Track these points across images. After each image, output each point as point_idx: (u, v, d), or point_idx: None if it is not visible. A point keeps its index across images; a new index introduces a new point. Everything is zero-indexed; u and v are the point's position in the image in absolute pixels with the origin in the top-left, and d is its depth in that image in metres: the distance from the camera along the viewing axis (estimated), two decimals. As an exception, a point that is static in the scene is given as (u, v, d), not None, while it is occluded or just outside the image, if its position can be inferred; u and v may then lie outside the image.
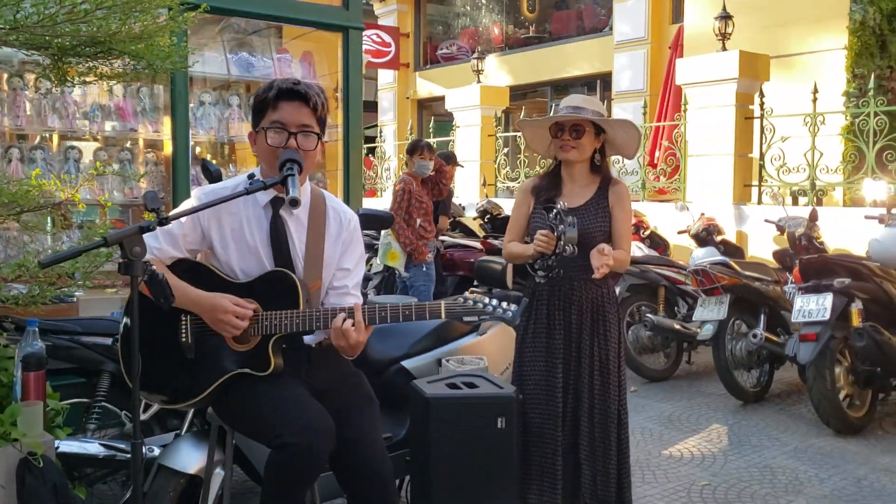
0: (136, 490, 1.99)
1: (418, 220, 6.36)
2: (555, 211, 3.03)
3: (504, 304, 2.35)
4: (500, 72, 14.48)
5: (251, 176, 2.28)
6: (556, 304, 3.20)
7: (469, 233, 8.77)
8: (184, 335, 2.43)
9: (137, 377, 1.95)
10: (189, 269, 2.45)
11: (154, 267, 1.98)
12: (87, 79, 3.30)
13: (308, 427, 2.26)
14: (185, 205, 2.44)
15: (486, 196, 10.00)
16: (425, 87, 16.62)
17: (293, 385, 2.41)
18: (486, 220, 8.67)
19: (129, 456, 3.25)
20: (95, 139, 4.44)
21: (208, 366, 2.43)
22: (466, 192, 10.93)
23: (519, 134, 10.89)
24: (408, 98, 16.92)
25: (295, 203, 2.15)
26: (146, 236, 1.98)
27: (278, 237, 2.46)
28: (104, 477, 3.47)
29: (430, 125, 12.17)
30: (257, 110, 2.47)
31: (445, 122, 12.84)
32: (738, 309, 5.46)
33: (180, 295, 2.31)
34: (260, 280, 2.44)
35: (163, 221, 1.97)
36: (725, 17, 7.86)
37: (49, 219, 4.31)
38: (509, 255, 3.33)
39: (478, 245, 7.71)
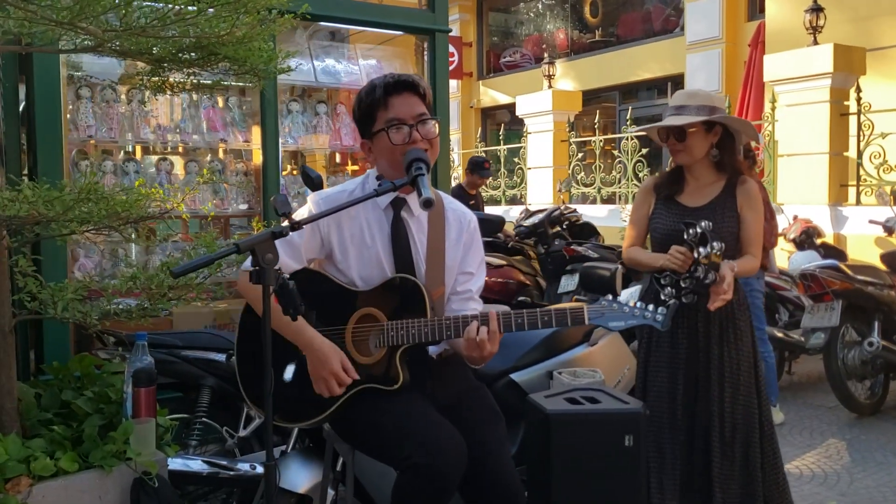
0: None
1: None
2: (698, 230, 2.76)
3: (650, 308, 2.15)
4: (566, 77, 14.25)
5: (379, 177, 2.13)
6: (680, 312, 2.98)
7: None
8: (303, 349, 2.29)
9: (270, 394, 1.80)
10: (306, 279, 2.31)
11: (286, 275, 1.84)
12: (185, 87, 3.23)
13: (439, 447, 2.10)
14: (303, 211, 2.31)
15: (563, 202, 9.76)
16: (489, 95, 16.49)
17: (420, 401, 2.25)
18: (563, 227, 8.44)
19: (231, 473, 3.18)
20: (186, 151, 4.39)
21: (330, 381, 2.28)
22: (541, 198, 10.73)
23: (593, 139, 10.67)
24: (471, 107, 16.82)
25: (428, 204, 1.99)
26: None
27: (400, 241, 2.31)
28: (206, 495, 3.38)
29: (501, 133, 12.00)
30: (366, 116, 2.33)
31: (509, 132, 12.65)
32: (850, 316, 5.14)
33: (295, 328, 2.20)
34: (382, 287, 2.29)
35: (294, 226, 1.83)
36: (817, 9, 7.52)
37: (134, 232, 4.30)
38: (632, 262, 3.13)
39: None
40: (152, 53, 2.81)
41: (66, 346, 3.39)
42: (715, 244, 2.71)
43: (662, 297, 2.84)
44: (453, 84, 16.89)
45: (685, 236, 2.79)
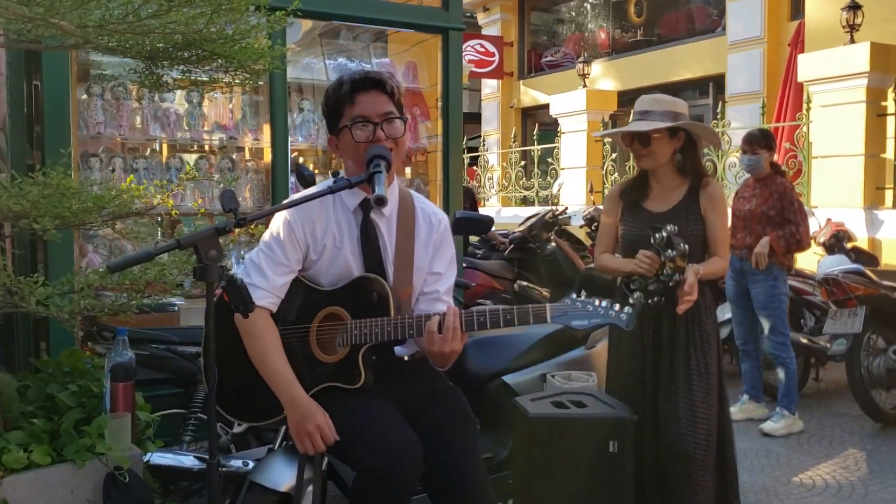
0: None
1: None
2: (664, 234, 2.78)
3: (616, 307, 2.10)
4: (606, 77, 14.08)
5: (335, 174, 2.11)
6: (646, 315, 2.95)
7: (575, 241, 8.42)
8: (268, 346, 2.28)
9: (214, 393, 1.80)
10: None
11: (233, 271, 1.83)
12: (182, 85, 3.25)
13: (390, 452, 2.06)
14: (278, 220, 2.29)
15: (593, 203, 9.63)
16: (529, 95, 16.38)
17: (381, 403, 2.22)
18: (593, 227, 8.31)
19: (223, 470, 3.18)
20: (197, 149, 4.44)
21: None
22: (573, 198, 10.60)
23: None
24: (511, 107, 16.71)
25: (380, 201, 1.96)
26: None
27: (369, 242, 2.29)
28: (200, 491, 3.39)
29: (535, 133, 11.90)
30: (333, 112, 2.31)
31: (549, 131, 12.54)
32: (875, 322, 4.97)
33: (280, 382, 2.19)
34: (348, 287, 2.27)
35: (240, 222, 1.82)
36: (854, 7, 7.29)
37: (159, 229, 4.34)
38: (603, 269, 3.16)
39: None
40: (143, 50, 2.83)
41: (70, 340, 3.44)
42: (679, 247, 2.73)
43: (631, 301, 2.81)
44: (494, 84, 16.82)
45: (651, 241, 2.80)
